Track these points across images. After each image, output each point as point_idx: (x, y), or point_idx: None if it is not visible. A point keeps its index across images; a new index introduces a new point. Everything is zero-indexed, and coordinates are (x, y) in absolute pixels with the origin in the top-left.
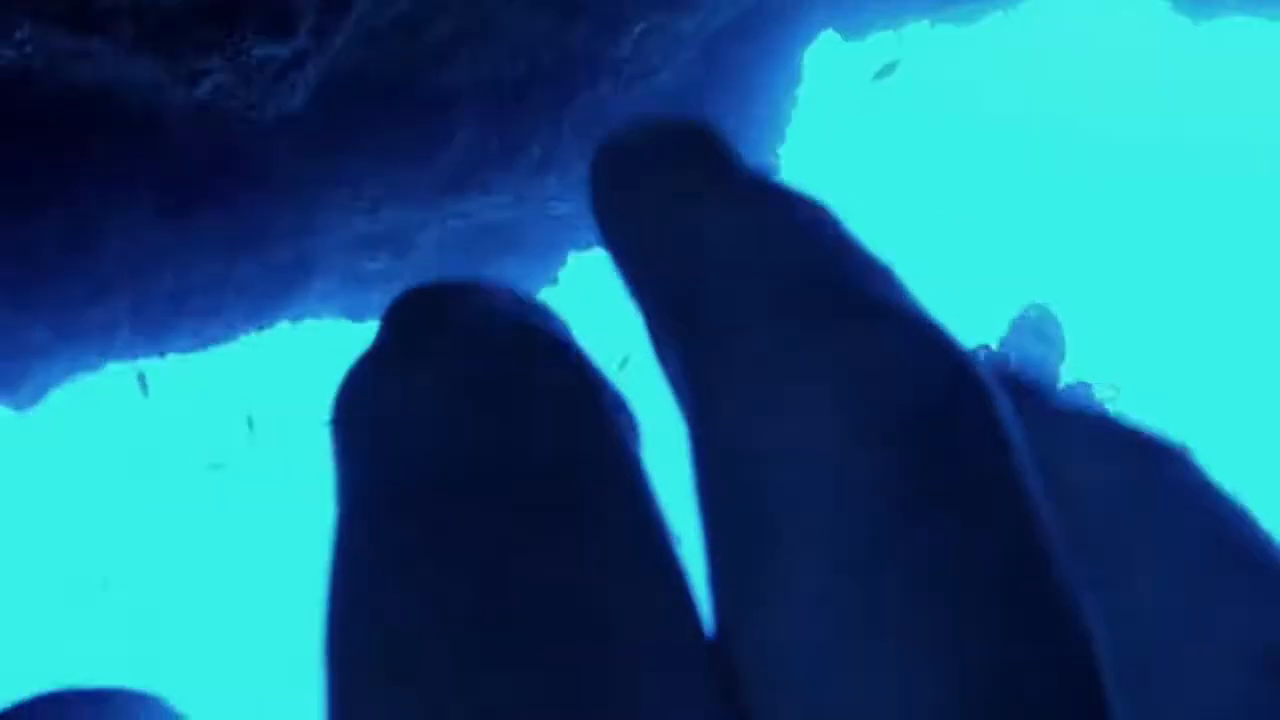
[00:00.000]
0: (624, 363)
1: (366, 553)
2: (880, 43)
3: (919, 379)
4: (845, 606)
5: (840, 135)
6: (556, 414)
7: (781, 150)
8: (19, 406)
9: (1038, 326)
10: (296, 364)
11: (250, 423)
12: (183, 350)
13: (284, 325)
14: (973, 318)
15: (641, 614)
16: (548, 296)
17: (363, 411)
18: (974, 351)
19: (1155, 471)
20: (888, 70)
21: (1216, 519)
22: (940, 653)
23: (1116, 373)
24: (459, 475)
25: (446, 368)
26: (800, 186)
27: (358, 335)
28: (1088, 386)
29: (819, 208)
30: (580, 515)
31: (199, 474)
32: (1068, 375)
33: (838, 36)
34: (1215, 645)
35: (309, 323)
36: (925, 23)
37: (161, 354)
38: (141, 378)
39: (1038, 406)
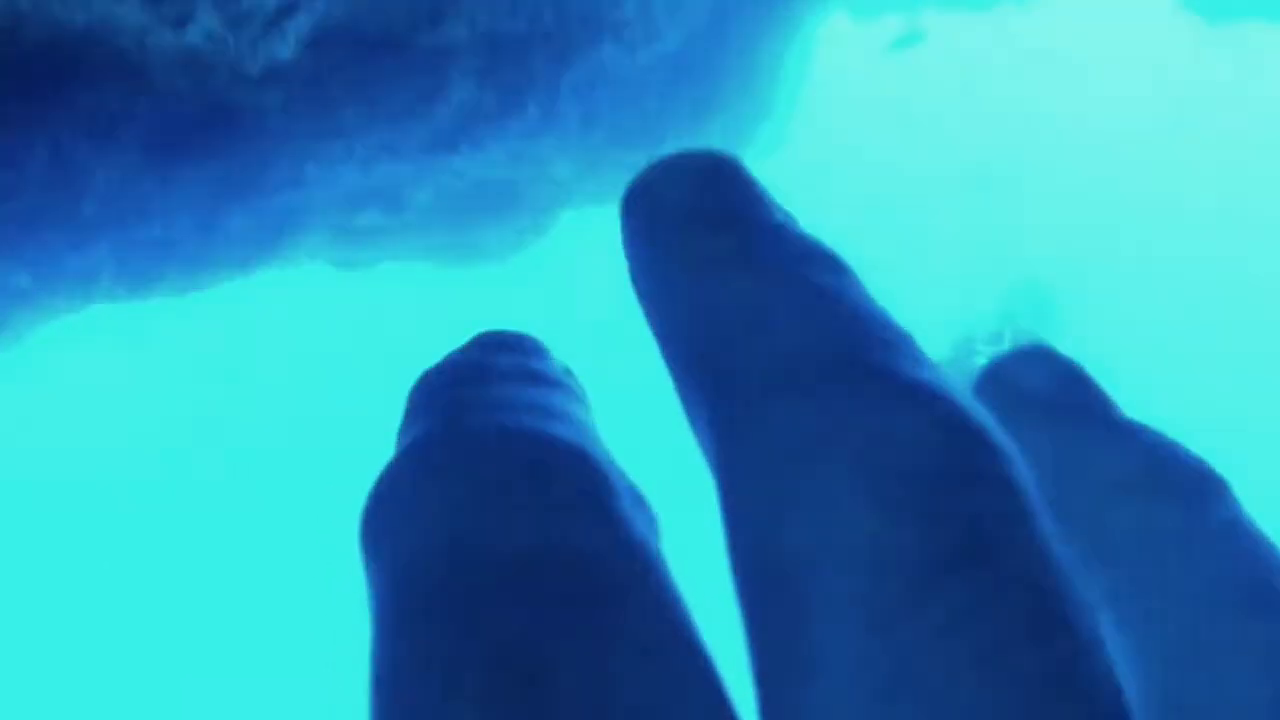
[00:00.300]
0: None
1: (402, 656)
2: (895, 18)
3: (938, 448)
4: (875, 670)
5: (848, 111)
6: (576, 517)
7: (788, 125)
8: None
9: (1030, 301)
10: (283, 313)
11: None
12: (166, 298)
13: (271, 274)
14: (972, 295)
15: (672, 701)
16: (539, 255)
17: (391, 522)
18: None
19: (1197, 514)
20: (907, 42)
21: (1252, 566)
22: (969, 713)
23: (1115, 359)
24: (485, 579)
25: (467, 478)
26: (824, 241)
27: (346, 285)
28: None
29: (842, 270)
30: (605, 610)
31: (180, 420)
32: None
33: (849, 12)
34: (1238, 694)
35: (297, 272)
36: (938, 8)
37: (144, 301)
38: None
39: (1098, 420)
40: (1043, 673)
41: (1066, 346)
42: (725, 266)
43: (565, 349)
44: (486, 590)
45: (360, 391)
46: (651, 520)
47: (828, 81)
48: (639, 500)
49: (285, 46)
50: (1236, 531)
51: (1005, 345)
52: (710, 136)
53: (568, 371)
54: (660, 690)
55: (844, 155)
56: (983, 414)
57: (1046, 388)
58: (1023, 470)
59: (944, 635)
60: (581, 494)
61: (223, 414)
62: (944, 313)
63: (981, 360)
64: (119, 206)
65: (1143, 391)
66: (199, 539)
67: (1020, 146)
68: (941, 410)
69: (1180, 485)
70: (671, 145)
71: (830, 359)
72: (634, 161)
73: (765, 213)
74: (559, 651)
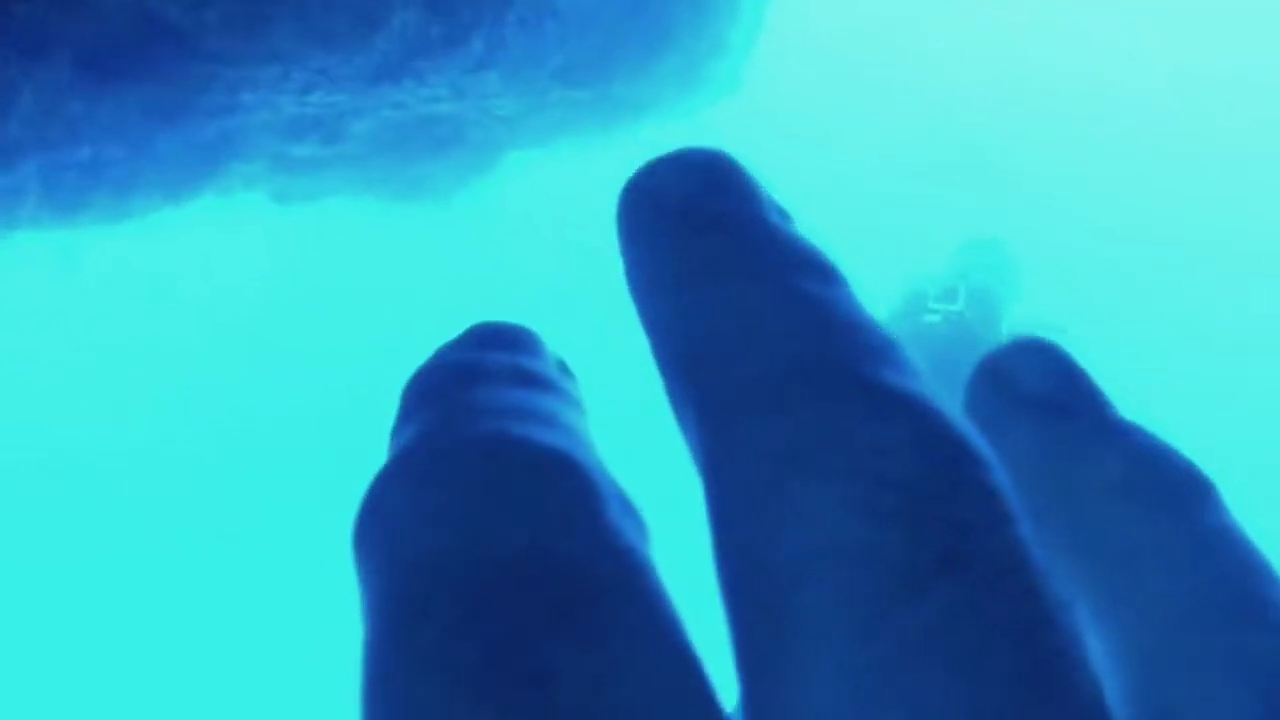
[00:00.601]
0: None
1: (396, 659)
2: None
3: (922, 455)
4: (860, 673)
5: (809, 53)
6: (563, 524)
7: (743, 66)
8: None
9: (986, 259)
10: (217, 242)
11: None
12: (95, 224)
13: (206, 204)
14: (926, 249)
15: (662, 706)
16: (485, 194)
17: (382, 530)
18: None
19: (1183, 519)
20: None
21: (1237, 574)
22: (952, 715)
23: (1069, 321)
24: (474, 585)
25: (456, 487)
26: (818, 245)
27: (282, 218)
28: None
29: (833, 277)
30: (592, 616)
31: (113, 354)
32: (1023, 312)
33: None
34: (1218, 702)
35: (233, 203)
36: None
37: (73, 229)
38: None
39: (1091, 420)
40: (1023, 674)
41: (1020, 306)
42: (717, 271)
43: (504, 291)
44: (477, 596)
45: (297, 328)
46: (641, 527)
47: (787, 22)
48: (628, 507)
49: None
50: (1223, 538)
51: (959, 303)
52: (661, 76)
53: (562, 367)
54: (650, 695)
55: (802, 99)
56: (965, 423)
57: (1041, 383)
58: (1004, 477)
59: (927, 638)
60: (569, 501)
61: (156, 347)
62: (896, 266)
63: (934, 318)
64: (46, 127)
65: (1092, 354)
66: (126, 480)
67: (991, 99)
68: (926, 420)
69: (1168, 489)
70: (619, 85)
71: (819, 368)
72: (580, 100)
73: (760, 214)
74: (549, 656)
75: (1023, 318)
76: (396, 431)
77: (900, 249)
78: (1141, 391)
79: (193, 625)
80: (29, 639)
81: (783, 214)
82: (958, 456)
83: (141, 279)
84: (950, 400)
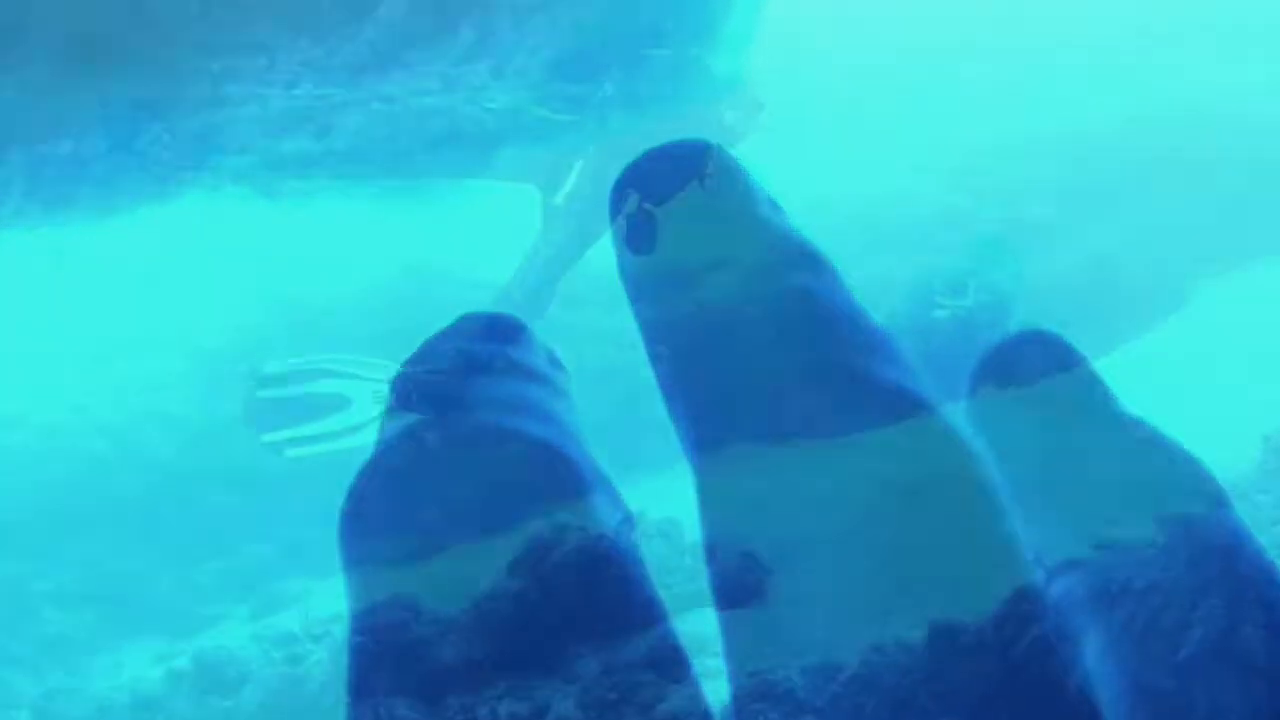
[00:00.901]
0: None
1: (378, 652)
2: None
3: (911, 450)
4: (843, 661)
5: (808, 45)
6: (550, 515)
7: (740, 60)
8: None
9: (995, 256)
10: (206, 238)
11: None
12: (82, 219)
13: (194, 198)
14: (933, 245)
15: (646, 694)
16: (477, 190)
17: (368, 519)
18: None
19: (1184, 514)
20: None
21: (1236, 567)
22: (934, 700)
23: (1072, 317)
24: (461, 574)
25: (441, 480)
26: (807, 238)
27: (268, 215)
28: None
29: (823, 270)
30: (582, 607)
31: (97, 344)
32: (1030, 308)
33: None
34: (1212, 695)
35: (220, 197)
36: None
37: (60, 225)
38: None
39: (1095, 414)
40: (1009, 665)
41: (1025, 302)
42: (709, 264)
43: (495, 286)
44: (461, 590)
45: (286, 324)
46: (628, 519)
47: (786, 13)
48: (613, 497)
49: None
50: (1224, 534)
51: (968, 298)
52: (655, 69)
53: (551, 358)
54: (633, 687)
55: (801, 93)
56: (957, 418)
57: (1045, 376)
58: (991, 470)
59: (910, 630)
60: (556, 493)
61: (145, 342)
62: (905, 261)
63: (942, 313)
64: (30, 122)
65: (1090, 348)
66: (112, 480)
67: (997, 91)
68: (914, 414)
69: (1170, 484)
70: (613, 79)
71: (808, 362)
72: (572, 95)
73: (752, 208)
74: (531, 642)
75: (1029, 313)
76: (385, 421)
77: (908, 244)
78: (1139, 387)
79: (185, 622)
80: (19, 636)
81: (774, 206)
82: (947, 451)
83: (130, 274)
84: (941, 394)
